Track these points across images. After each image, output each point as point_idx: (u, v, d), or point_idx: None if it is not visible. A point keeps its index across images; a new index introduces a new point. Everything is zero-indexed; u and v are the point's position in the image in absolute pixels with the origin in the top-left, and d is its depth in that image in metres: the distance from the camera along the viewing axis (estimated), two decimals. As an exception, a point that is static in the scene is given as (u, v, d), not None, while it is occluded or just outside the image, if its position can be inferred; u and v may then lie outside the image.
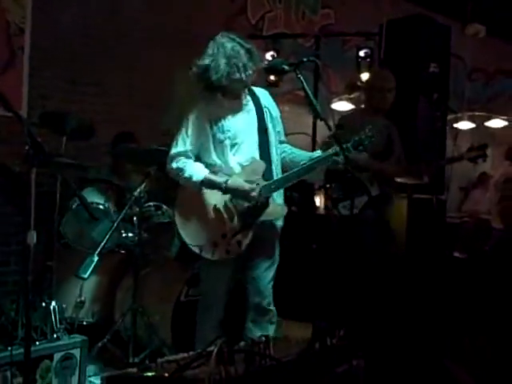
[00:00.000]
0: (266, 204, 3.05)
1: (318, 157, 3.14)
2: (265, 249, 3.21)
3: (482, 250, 6.51)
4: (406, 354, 3.61)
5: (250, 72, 2.97)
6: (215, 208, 3.06)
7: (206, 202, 3.08)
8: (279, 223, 3.25)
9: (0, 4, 4.60)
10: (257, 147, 3.13)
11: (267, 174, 3.10)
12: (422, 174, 4.37)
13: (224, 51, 2.93)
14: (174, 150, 3.11)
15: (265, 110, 3.20)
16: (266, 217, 3.07)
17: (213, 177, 3.04)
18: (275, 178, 3.13)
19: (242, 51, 2.95)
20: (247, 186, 2.99)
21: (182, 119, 3.15)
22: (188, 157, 3.09)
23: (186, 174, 3.05)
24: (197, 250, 3.07)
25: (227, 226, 3.04)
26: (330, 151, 3.09)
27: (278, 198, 3.18)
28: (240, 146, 3.11)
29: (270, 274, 3.23)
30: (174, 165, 3.09)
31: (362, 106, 4.81)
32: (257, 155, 3.12)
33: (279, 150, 3.26)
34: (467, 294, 4.80)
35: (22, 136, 2.54)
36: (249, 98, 3.19)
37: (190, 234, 3.11)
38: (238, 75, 2.93)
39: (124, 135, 4.62)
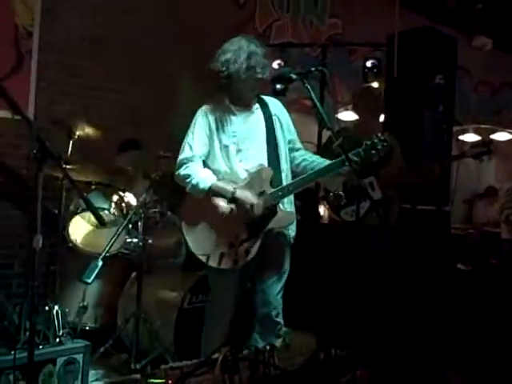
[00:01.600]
0: (274, 211, 3.02)
1: (328, 164, 3.11)
2: (274, 259, 3.17)
3: (488, 263, 6.49)
4: (408, 364, 3.60)
5: (267, 74, 3.01)
6: (222, 216, 3.04)
7: (213, 210, 3.06)
8: (291, 233, 3.21)
9: (9, 7, 4.61)
10: (265, 155, 3.11)
11: (276, 181, 3.07)
12: (426, 174, 4.34)
13: (244, 48, 2.99)
14: (181, 156, 3.10)
15: (274, 118, 3.19)
16: (274, 224, 3.03)
17: (220, 185, 3.02)
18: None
19: (260, 52, 3.02)
20: (251, 200, 2.97)
21: (189, 124, 3.15)
22: (195, 163, 3.08)
23: (194, 181, 3.03)
24: (204, 259, 3.05)
25: (234, 235, 3.01)
26: (335, 160, 3.05)
27: (288, 205, 3.16)
28: (246, 152, 3.10)
29: (280, 284, 3.19)
30: (182, 171, 3.07)
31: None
32: (265, 163, 3.10)
33: (290, 158, 3.25)
34: (470, 306, 4.79)
35: (29, 139, 2.54)
36: (257, 105, 3.19)
37: (196, 243, 3.10)
38: (258, 71, 2.99)
39: (130, 141, 4.63)
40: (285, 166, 3.18)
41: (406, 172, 4.33)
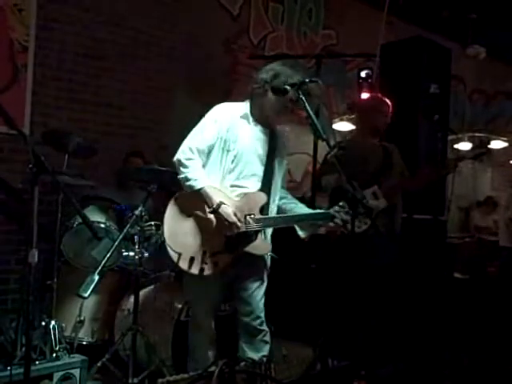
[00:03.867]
0: (253, 237, 3.02)
1: (310, 213, 3.16)
2: (253, 269, 3.15)
3: (485, 271, 6.49)
4: (406, 374, 3.59)
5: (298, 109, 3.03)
6: (204, 222, 3.03)
7: (197, 213, 3.04)
8: (267, 258, 3.23)
9: (4, 22, 4.63)
10: (260, 180, 3.11)
11: (265, 209, 3.08)
12: (427, 178, 4.35)
13: (285, 75, 3.00)
14: (190, 144, 3.04)
15: (276, 152, 3.19)
16: (250, 249, 3.03)
17: (210, 192, 2.98)
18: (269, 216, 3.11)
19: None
20: (232, 219, 2.95)
21: (187, 133, 3.11)
22: (199, 157, 3.04)
23: (189, 175, 2.98)
24: (175, 258, 3.00)
25: (209, 244, 3.00)
26: (323, 211, 3.13)
27: (268, 234, 3.17)
28: (240, 165, 3.07)
29: (260, 292, 3.17)
30: (184, 159, 3.01)
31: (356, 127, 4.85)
32: (256, 187, 3.10)
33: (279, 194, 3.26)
34: (469, 315, 4.78)
35: (24, 154, 2.54)
36: (271, 132, 3.19)
37: (172, 237, 3.05)
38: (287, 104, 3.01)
39: (136, 152, 4.68)
40: (275, 198, 3.19)
41: (410, 178, 4.35)
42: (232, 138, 3.07)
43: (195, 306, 3.26)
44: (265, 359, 2.29)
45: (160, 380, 2.24)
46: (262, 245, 3.06)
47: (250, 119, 3.13)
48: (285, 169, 3.33)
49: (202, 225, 3.03)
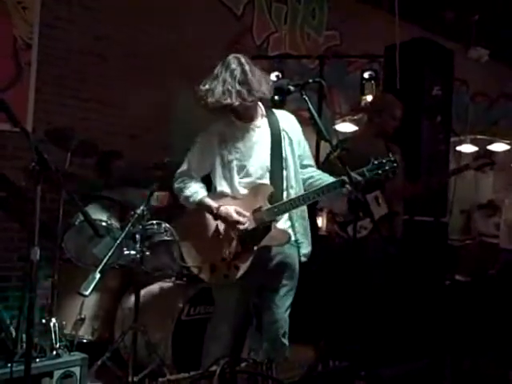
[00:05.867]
0: (268, 229, 2.98)
1: (325, 185, 3.02)
2: (279, 276, 3.11)
3: (487, 274, 6.47)
4: (408, 375, 3.59)
5: (247, 100, 2.92)
6: (216, 230, 3.04)
7: (208, 223, 3.06)
8: (302, 250, 3.13)
9: (8, 20, 4.64)
10: (267, 171, 3.07)
11: (279, 197, 3.01)
12: (429, 186, 4.33)
13: (224, 75, 2.92)
14: (178, 170, 3.16)
15: (283, 133, 3.12)
16: (267, 242, 2.98)
17: (207, 201, 3.04)
18: None
19: (242, 78, 2.92)
20: (235, 217, 2.95)
21: (187, 135, 3.17)
22: (190, 177, 3.11)
23: (184, 195, 3.09)
24: (195, 271, 3.04)
25: (227, 250, 2.99)
26: (334, 180, 3.00)
27: (296, 220, 3.11)
28: (249, 169, 3.06)
29: (287, 302, 3.14)
30: (176, 184, 3.14)
31: (362, 127, 4.82)
32: (266, 179, 3.06)
33: (301, 175, 3.18)
34: (470, 317, 4.78)
35: (27, 151, 2.54)
36: (265, 120, 3.15)
37: (190, 254, 3.10)
38: (228, 100, 2.89)
39: (110, 154, 4.62)
40: (293, 183, 3.11)
41: (412, 184, 4.33)
42: (230, 149, 3.06)
43: (220, 314, 3.17)
44: (266, 360, 2.28)
45: (161, 379, 2.23)
46: (278, 235, 2.99)
47: (237, 123, 3.10)
48: (303, 148, 3.21)
49: (213, 234, 3.04)
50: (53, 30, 4.86)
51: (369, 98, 5.70)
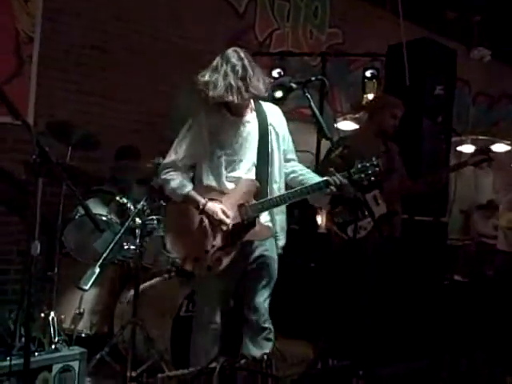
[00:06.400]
0: (252, 224, 3.01)
1: (311, 185, 3.06)
2: (260, 268, 3.15)
3: (485, 274, 6.49)
4: (406, 375, 3.59)
5: (245, 97, 2.93)
6: (201, 223, 3.04)
7: (193, 215, 3.06)
8: (279, 243, 3.20)
9: (10, 12, 4.62)
10: (253, 166, 3.08)
11: (264, 193, 3.05)
12: (433, 182, 4.32)
13: (225, 69, 2.92)
14: (165, 160, 3.12)
15: (270, 127, 3.14)
16: (250, 237, 3.03)
17: (193, 195, 3.03)
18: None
19: (243, 73, 2.93)
20: (219, 216, 2.97)
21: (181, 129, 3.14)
22: (177, 168, 3.09)
23: (170, 187, 3.07)
24: (180, 262, 3.06)
25: (210, 242, 3.01)
26: (321, 179, 3.04)
27: (276, 215, 3.14)
28: (238, 164, 3.07)
29: (267, 292, 3.18)
30: (162, 176, 3.11)
31: (362, 125, 4.81)
32: (252, 173, 3.08)
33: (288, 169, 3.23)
34: (468, 317, 4.78)
35: (28, 144, 2.54)
36: (254, 114, 3.15)
37: (174, 244, 3.11)
38: (230, 98, 2.91)
39: (127, 149, 4.62)
40: (277, 178, 3.15)
41: (411, 182, 4.33)
42: (219, 143, 3.06)
43: (202, 305, 3.21)
44: (266, 357, 2.29)
45: (160, 375, 2.24)
46: (261, 230, 3.05)
47: (228, 116, 3.09)
48: (287, 142, 3.25)
49: (198, 226, 3.04)
50: (55, 24, 4.85)
51: (370, 96, 5.70)
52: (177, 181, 3.07)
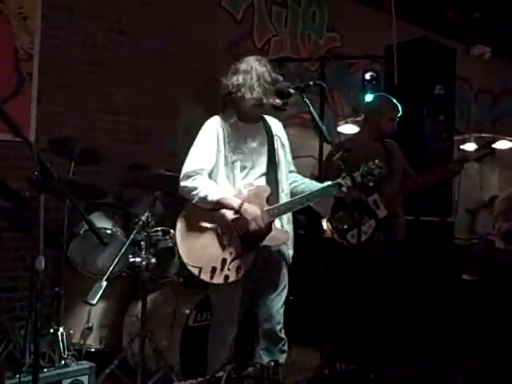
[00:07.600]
0: (269, 229, 3.01)
1: (324, 186, 3.12)
2: (273, 275, 3.18)
3: (493, 273, 6.45)
4: (416, 377, 3.58)
5: (277, 101, 3.01)
6: (216, 231, 3.03)
7: (208, 224, 3.05)
8: (289, 252, 3.22)
9: (9, 30, 4.65)
10: (263, 174, 3.14)
11: (273, 199, 3.08)
12: (430, 180, 4.32)
13: (258, 73, 2.99)
14: (188, 168, 3.04)
15: (276, 138, 3.22)
16: (268, 242, 3.03)
17: (229, 197, 3.02)
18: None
19: (270, 79, 3.01)
20: (257, 213, 2.97)
21: (196, 136, 3.14)
22: (202, 175, 3.05)
23: (202, 194, 2.99)
24: (195, 272, 3.00)
25: (227, 251, 3.00)
26: (331, 183, 3.10)
27: (286, 224, 3.18)
28: (249, 170, 3.12)
29: (281, 300, 3.19)
30: (189, 184, 3.02)
31: (360, 129, 4.82)
32: (263, 182, 3.12)
33: (289, 179, 3.29)
34: (478, 316, 4.76)
35: (30, 161, 2.55)
36: (261, 123, 3.21)
37: (189, 254, 3.04)
38: (267, 100, 2.99)
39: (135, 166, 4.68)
40: (285, 186, 3.21)
41: (409, 180, 4.32)
42: (233, 150, 3.09)
43: (222, 318, 3.18)
44: (273, 363, 2.28)
45: (169, 386, 2.23)
46: (278, 234, 3.06)
47: (240, 124, 3.14)
48: (288, 153, 3.33)
49: (216, 234, 3.03)
50: (54, 40, 4.87)
51: (368, 98, 5.68)
52: (205, 187, 3.01)
